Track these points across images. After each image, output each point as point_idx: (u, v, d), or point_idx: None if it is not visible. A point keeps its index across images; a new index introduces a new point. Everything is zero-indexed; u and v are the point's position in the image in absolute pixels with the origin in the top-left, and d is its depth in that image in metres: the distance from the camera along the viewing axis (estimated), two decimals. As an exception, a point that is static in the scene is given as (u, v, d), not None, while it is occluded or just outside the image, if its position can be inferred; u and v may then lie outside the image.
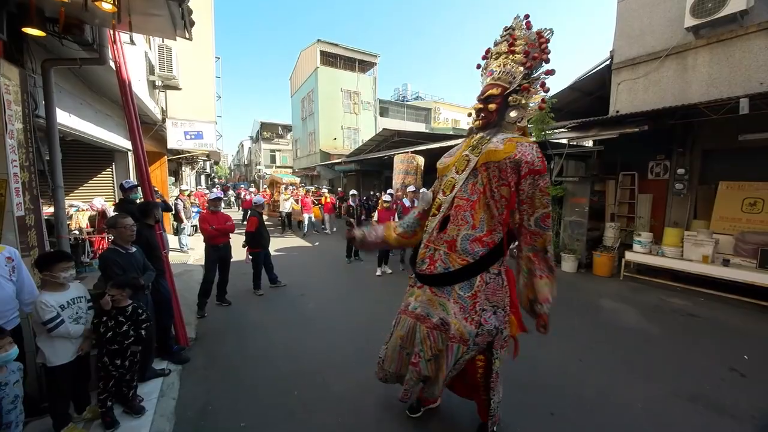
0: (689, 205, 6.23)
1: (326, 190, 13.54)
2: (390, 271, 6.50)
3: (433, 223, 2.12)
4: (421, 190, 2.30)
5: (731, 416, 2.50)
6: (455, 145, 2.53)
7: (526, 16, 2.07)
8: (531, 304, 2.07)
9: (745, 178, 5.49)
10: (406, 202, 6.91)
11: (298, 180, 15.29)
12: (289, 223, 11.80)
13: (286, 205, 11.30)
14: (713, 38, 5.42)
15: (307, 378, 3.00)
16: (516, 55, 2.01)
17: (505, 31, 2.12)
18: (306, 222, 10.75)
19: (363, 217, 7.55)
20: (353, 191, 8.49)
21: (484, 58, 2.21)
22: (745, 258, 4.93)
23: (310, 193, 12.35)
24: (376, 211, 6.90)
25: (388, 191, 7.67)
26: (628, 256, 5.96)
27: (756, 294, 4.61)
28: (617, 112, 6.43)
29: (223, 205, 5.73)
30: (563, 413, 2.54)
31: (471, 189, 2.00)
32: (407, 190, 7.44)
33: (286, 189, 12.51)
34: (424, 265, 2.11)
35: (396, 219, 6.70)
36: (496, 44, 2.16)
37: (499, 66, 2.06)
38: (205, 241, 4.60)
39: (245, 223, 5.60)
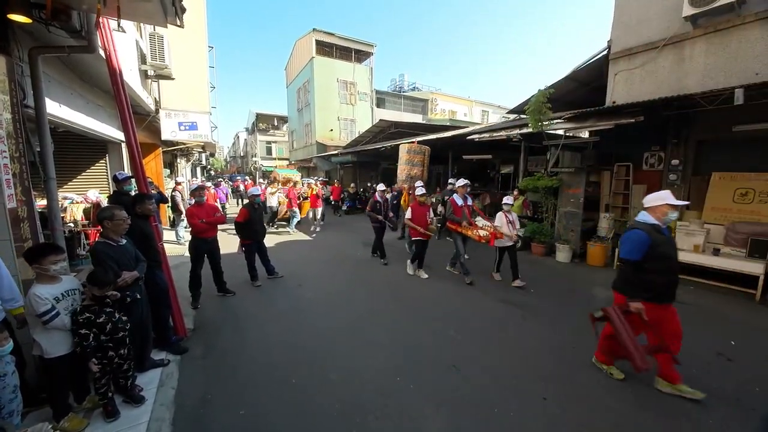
0: (682, 196, 6.29)
1: (314, 181, 12.17)
2: (426, 275, 5.51)
3: None
4: None
5: (718, 399, 2.57)
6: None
7: None
8: None
9: (737, 169, 5.55)
10: (457, 200, 5.45)
11: (296, 175, 13.06)
12: (273, 219, 10.75)
13: (272, 200, 10.55)
14: (710, 28, 5.39)
15: (304, 367, 3.04)
16: None
17: None
18: (291, 217, 10.12)
19: (390, 214, 6.69)
20: (381, 185, 7.19)
21: None
22: (735, 247, 5.01)
23: (304, 187, 11.33)
24: (409, 207, 5.62)
25: (418, 184, 6.21)
26: (622, 246, 6.02)
27: (744, 282, 4.71)
28: (614, 102, 6.42)
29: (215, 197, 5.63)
30: (555, 398, 2.61)
31: None
32: (457, 184, 5.74)
33: (272, 183, 11.56)
34: None
35: (431, 216, 5.45)
36: None
37: None
38: (192, 234, 4.55)
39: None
